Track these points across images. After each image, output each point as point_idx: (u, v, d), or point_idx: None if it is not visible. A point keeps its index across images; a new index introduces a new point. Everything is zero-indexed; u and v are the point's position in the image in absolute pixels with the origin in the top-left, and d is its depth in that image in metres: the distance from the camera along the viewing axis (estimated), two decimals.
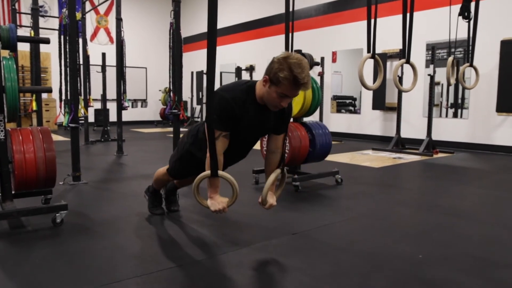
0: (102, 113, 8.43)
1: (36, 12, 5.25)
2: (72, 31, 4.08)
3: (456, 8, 4.73)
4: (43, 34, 6.60)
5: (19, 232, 2.57)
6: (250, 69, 10.90)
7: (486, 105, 6.71)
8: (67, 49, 4.37)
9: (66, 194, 3.58)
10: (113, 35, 10.87)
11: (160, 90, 12.94)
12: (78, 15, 5.94)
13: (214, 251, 2.28)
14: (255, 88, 2.17)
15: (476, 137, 6.92)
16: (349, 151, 6.75)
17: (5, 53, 4.30)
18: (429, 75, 6.55)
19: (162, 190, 3.01)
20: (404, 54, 3.49)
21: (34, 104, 5.79)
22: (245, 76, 10.91)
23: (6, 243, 2.37)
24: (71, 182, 3.96)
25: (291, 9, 3.71)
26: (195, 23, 12.90)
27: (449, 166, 5.46)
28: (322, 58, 8.39)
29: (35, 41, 5.03)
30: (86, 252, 2.24)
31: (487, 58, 6.47)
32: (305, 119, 4.20)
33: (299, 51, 4.02)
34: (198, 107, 12.41)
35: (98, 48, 10.50)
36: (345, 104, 9.39)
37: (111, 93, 7.87)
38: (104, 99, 8.02)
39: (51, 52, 10.79)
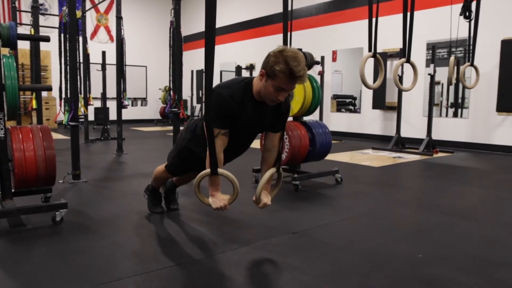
0: (102, 112, 8.42)
1: (36, 10, 5.25)
2: (72, 29, 4.07)
3: (457, 7, 4.74)
4: (43, 32, 6.58)
5: (19, 230, 2.57)
6: (250, 67, 10.90)
7: (486, 104, 6.71)
8: (67, 47, 4.36)
9: (66, 193, 3.58)
10: (113, 33, 10.85)
11: (160, 89, 12.94)
12: (78, 13, 5.93)
13: (213, 250, 2.28)
14: (252, 84, 2.17)
15: (476, 136, 6.92)
16: (349, 150, 6.75)
17: (5, 51, 4.30)
18: (429, 74, 6.54)
19: (162, 189, 3.01)
20: (404, 53, 3.49)
21: (34, 102, 5.79)
22: (245, 75, 10.90)
23: (6, 241, 2.37)
24: (71, 180, 3.95)
25: (289, 8, 3.70)
26: (195, 22, 12.89)
27: (449, 165, 5.46)
28: (322, 57, 8.38)
29: (35, 39, 5.02)
30: (86, 251, 2.24)
31: (487, 57, 6.47)
32: (305, 118, 4.19)
33: (299, 50, 4.02)
34: (198, 106, 12.41)
35: (98, 47, 10.50)
36: (345, 103, 9.38)
37: (111, 91, 7.88)
38: (104, 98, 8.01)
39: (51, 50, 10.78)
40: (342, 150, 6.63)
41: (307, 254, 2.24)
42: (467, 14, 4.39)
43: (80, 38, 6.55)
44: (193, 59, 12.48)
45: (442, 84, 7.53)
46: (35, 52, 5.53)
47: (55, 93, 9.49)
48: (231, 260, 2.14)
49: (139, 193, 3.21)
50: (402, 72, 7.11)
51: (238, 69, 10.37)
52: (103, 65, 7.73)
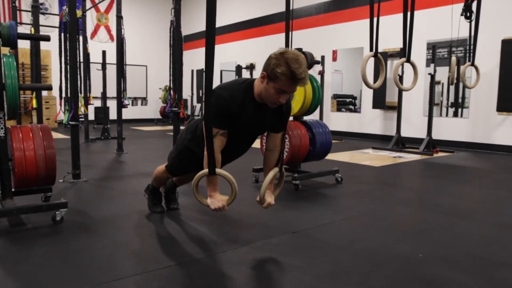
0: (102, 111, 8.42)
1: (37, 9, 5.24)
2: (72, 29, 4.07)
3: (457, 7, 4.74)
4: (43, 31, 6.58)
5: (19, 230, 2.57)
6: (251, 67, 10.89)
7: (487, 104, 6.70)
8: (68, 47, 4.36)
9: (66, 192, 3.58)
10: (114, 33, 10.86)
11: (160, 88, 12.94)
12: (79, 13, 5.94)
13: (213, 249, 2.28)
14: (253, 86, 2.17)
15: (476, 136, 6.92)
16: (349, 150, 6.74)
17: (6, 50, 4.29)
18: (429, 74, 6.54)
19: (162, 189, 3.01)
20: (404, 53, 3.48)
21: (34, 101, 5.79)
22: (245, 74, 10.90)
23: (6, 240, 2.37)
24: (71, 180, 3.95)
25: (291, 8, 3.70)
26: (195, 21, 12.89)
27: (449, 165, 5.46)
28: (323, 57, 8.38)
29: (36, 39, 5.02)
30: (86, 250, 2.24)
31: (487, 57, 6.47)
32: (305, 118, 4.19)
33: (299, 50, 4.02)
34: (198, 105, 12.41)
35: (99, 46, 10.49)
36: (345, 103, 9.38)
37: (111, 91, 7.88)
38: (104, 97, 8.01)
39: (51, 50, 10.78)
40: (342, 150, 6.63)
41: (307, 254, 2.24)
42: (468, 14, 4.39)
43: (80, 38, 6.55)
44: (193, 58, 12.48)
45: (443, 83, 7.53)
46: (35, 52, 5.52)
47: (55, 92, 9.49)
48: (231, 260, 2.14)
49: (139, 192, 3.21)
50: (403, 72, 7.11)
51: (238, 68, 10.37)
52: (103, 65, 7.73)
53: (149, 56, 13.31)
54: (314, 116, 7.51)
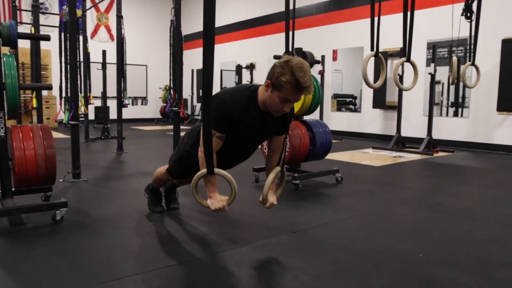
0: (102, 111, 8.42)
1: (37, 9, 5.24)
2: (72, 28, 4.07)
3: (457, 6, 4.73)
4: (43, 31, 6.57)
5: (19, 229, 2.57)
6: (251, 67, 10.89)
7: (487, 104, 6.70)
8: (68, 46, 4.36)
9: (66, 192, 3.58)
10: (114, 32, 10.86)
11: (160, 88, 12.94)
12: (79, 12, 5.93)
13: (214, 249, 2.28)
14: (257, 93, 2.15)
15: (476, 136, 6.91)
16: (349, 149, 6.74)
17: (6, 50, 4.29)
18: (429, 73, 6.54)
19: (162, 188, 3.01)
20: (404, 52, 3.48)
21: (34, 101, 5.79)
22: (245, 74, 10.90)
23: (6, 240, 2.37)
24: (71, 179, 3.96)
25: (291, 7, 3.70)
26: (195, 21, 12.88)
27: (449, 165, 5.46)
28: (323, 57, 8.38)
29: (36, 38, 5.02)
30: (86, 250, 2.24)
31: (488, 57, 6.46)
32: (306, 117, 4.19)
33: (299, 49, 4.02)
34: (199, 105, 12.40)
35: (99, 46, 10.48)
36: (346, 103, 9.38)
37: (112, 90, 7.88)
38: (104, 97, 8.01)
39: (51, 49, 10.78)
40: (343, 150, 6.63)
41: (307, 254, 2.24)
42: (468, 14, 4.39)
43: (81, 37, 6.54)
44: (194, 58, 12.47)
45: (443, 83, 7.53)
46: (35, 51, 5.52)
47: (55, 92, 9.49)
48: (231, 260, 2.14)
49: (139, 192, 3.21)
50: (403, 72, 7.10)
51: (239, 68, 10.37)
52: (104, 64, 7.73)
53: (149, 55, 13.31)
54: (314, 116, 7.51)
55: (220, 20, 11.56)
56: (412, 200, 3.63)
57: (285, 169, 2.39)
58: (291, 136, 3.69)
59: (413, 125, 7.60)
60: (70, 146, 4.01)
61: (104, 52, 7.83)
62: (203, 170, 2.06)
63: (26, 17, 9.50)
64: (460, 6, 4.71)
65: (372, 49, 3.39)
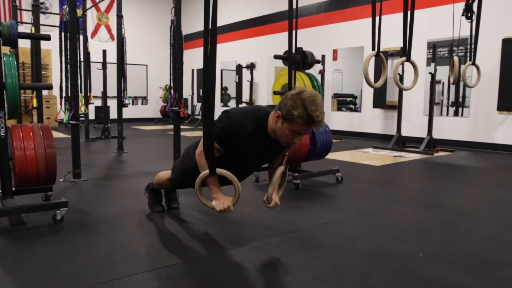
0: (102, 110, 8.42)
1: (37, 8, 5.24)
2: (73, 28, 4.07)
3: (458, 6, 4.73)
4: (44, 30, 6.58)
5: (20, 229, 2.57)
6: (251, 66, 10.89)
7: (487, 103, 6.70)
8: (68, 46, 4.36)
9: (67, 191, 3.59)
10: (114, 32, 10.85)
11: (160, 88, 12.94)
12: (79, 12, 5.93)
13: (214, 249, 2.28)
14: (267, 120, 2.13)
15: (477, 135, 6.91)
16: (350, 149, 6.74)
17: (6, 49, 4.29)
18: (430, 73, 6.53)
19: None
20: (405, 52, 3.48)
21: (34, 101, 5.79)
22: (246, 73, 10.89)
23: (7, 240, 2.37)
24: (71, 179, 3.96)
25: (294, 6, 3.68)
26: (195, 21, 12.87)
27: (449, 164, 5.45)
28: (323, 56, 8.38)
29: (36, 38, 5.02)
30: (86, 249, 2.24)
31: (488, 56, 6.46)
32: None
33: (300, 49, 4.02)
34: (199, 104, 12.40)
35: (99, 45, 10.47)
36: (346, 102, 9.38)
37: (112, 90, 7.87)
38: (104, 96, 8.01)
39: (51, 49, 10.78)
40: (343, 149, 6.63)
41: (307, 253, 2.24)
42: (469, 14, 4.39)
43: (81, 37, 6.53)
44: (194, 57, 12.47)
45: (443, 83, 7.53)
46: (35, 51, 5.52)
47: (55, 91, 9.48)
48: (232, 259, 2.14)
49: (140, 191, 3.21)
50: (403, 71, 7.10)
51: (239, 68, 10.37)
52: (104, 64, 7.72)
53: (150, 55, 13.31)
54: None
55: (221, 19, 11.51)
56: (412, 199, 3.63)
57: (287, 169, 2.40)
58: None
59: (414, 124, 7.59)
60: (70, 146, 4.01)
61: (104, 51, 7.83)
62: (205, 171, 2.06)
63: (27, 16, 9.50)
64: (461, 5, 4.71)
65: (373, 49, 3.38)
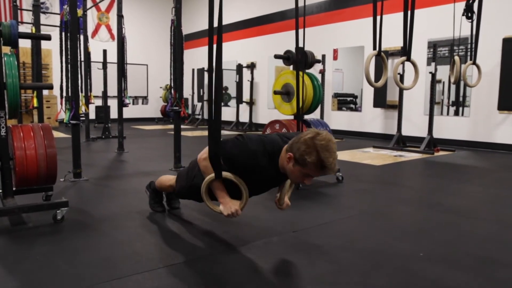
0: (103, 110, 8.42)
1: (38, 8, 5.24)
2: (73, 28, 4.07)
3: (458, 5, 4.72)
4: (44, 30, 6.59)
5: (20, 228, 2.57)
6: (251, 66, 10.89)
7: (488, 103, 6.70)
8: (68, 46, 4.36)
9: (67, 191, 3.59)
10: (114, 32, 10.85)
11: (161, 87, 12.94)
12: (80, 12, 5.93)
13: (214, 248, 2.29)
14: (279, 155, 2.10)
15: (477, 135, 6.91)
16: (350, 149, 6.74)
17: (7, 49, 4.29)
18: (430, 73, 6.53)
19: None
20: (405, 51, 3.48)
21: (35, 100, 5.79)
22: (246, 73, 10.88)
23: (7, 239, 2.38)
24: (72, 179, 3.96)
25: (301, 4, 3.63)
26: (196, 20, 12.88)
27: (450, 164, 5.45)
28: (323, 56, 8.38)
29: (36, 38, 5.02)
30: (87, 249, 2.24)
31: (489, 56, 6.46)
32: (306, 117, 4.19)
33: (300, 48, 4.01)
34: (199, 104, 12.41)
35: (99, 45, 10.49)
36: (346, 102, 9.38)
37: (112, 90, 7.87)
38: (105, 96, 8.01)
39: (52, 49, 10.78)
40: (343, 149, 6.63)
41: (308, 253, 2.24)
42: (469, 14, 4.39)
43: (81, 37, 6.54)
44: (194, 57, 12.48)
45: (443, 82, 7.52)
46: (36, 51, 5.53)
47: (56, 91, 9.49)
48: (232, 259, 2.14)
49: (140, 191, 3.21)
50: (403, 71, 7.10)
51: (239, 67, 10.37)
52: (104, 64, 7.73)
53: (150, 55, 13.31)
54: (315, 115, 7.50)
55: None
56: (412, 199, 3.63)
57: None
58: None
59: (414, 124, 7.59)
60: (71, 146, 4.01)
61: (104, 51, 7.83)
62: (211, 176, 2.05)
63: (27, 16, 9.51)
64: (461, 5, 4.71)
65: (374, 48, 3.38)
